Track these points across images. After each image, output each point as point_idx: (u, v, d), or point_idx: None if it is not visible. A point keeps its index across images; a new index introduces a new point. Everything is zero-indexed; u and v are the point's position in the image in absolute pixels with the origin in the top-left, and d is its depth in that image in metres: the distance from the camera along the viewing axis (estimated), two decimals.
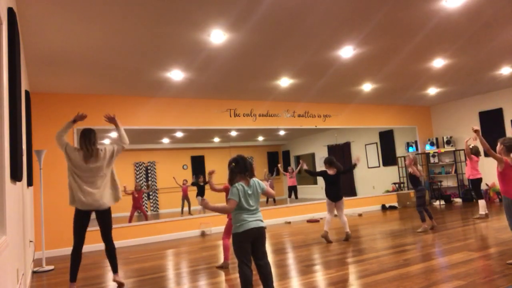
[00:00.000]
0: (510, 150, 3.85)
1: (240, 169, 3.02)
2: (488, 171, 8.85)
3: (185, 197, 9.63)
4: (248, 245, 2.94)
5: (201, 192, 9.37)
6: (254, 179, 3.07)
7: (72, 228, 3.85)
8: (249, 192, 2.99)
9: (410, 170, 6.32)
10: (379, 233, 6.27)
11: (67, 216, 6.49)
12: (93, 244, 6.62)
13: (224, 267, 4.50)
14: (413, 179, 6.31)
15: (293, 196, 10.53)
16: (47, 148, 6.22)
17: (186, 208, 9.57)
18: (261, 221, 3.02)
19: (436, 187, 10.29)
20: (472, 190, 7.32)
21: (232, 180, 3.03)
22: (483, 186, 9.74)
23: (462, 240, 5.15)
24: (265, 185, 3.16)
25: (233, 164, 3.04)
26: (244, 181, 3.00)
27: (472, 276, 3.43)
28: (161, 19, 4.07)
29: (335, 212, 5.94)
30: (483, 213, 6.97)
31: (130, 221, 8.08)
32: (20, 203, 3.54)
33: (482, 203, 7.03)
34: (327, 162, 5.95)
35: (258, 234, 2.96)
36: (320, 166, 11.96)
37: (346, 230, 5.78)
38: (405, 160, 6.39)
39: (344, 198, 6.02)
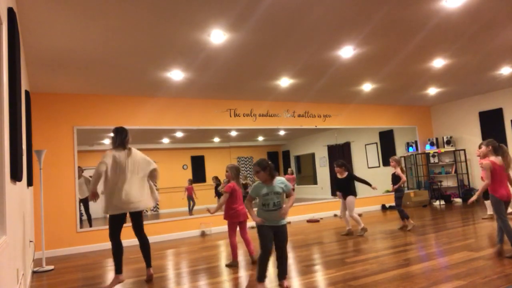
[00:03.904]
0: (497, 151, 4.19)
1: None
2: None
3: (190, 197, 9.62)
4: None
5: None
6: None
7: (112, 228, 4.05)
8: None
9: (395, 171, 6.56)
10: (379, 233, 6.27)
11: (67, 216, 6.50)
12: (93, 244, 6.62)
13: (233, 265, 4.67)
14: (396, 179, 6.52)
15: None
16: (47, 148, 6.23)
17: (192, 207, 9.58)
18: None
19: (436, 187, 10.29)
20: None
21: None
22: None
23: (462, 240, 5.15)
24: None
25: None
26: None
27: (472, 276, 3.43)
28: (161, 19, 4.07)
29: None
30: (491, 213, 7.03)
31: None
32: (20, 203, 3.54)
33: (489, 203, 7.06)
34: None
35: None
36: (320, 166, 11.96)
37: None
38: (390, 162, 6.60)
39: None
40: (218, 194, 9.37)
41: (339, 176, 6.39)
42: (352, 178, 6.38)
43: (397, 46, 5.54)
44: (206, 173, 10.25)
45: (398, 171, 6.47)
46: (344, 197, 6.28)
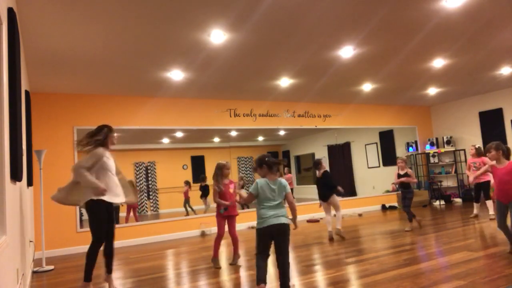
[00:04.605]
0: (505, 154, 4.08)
1: (268, 167, 3.32)
2: None
3: (186, 200, 9.57)
4: (269, 240, 3.20)
5: (205, 193, 9.34)
6: (281, 179, 3.32)
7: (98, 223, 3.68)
8: (273, 187, 3.25)
9: (404, 172, 6.39)
10: (379, 233, 6.27)
11: (67, 216, 6.50)
12: None
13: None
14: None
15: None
16: (47, 148, 6.22)
17: (189, 209, 9.52)
18: (284, 217, 3.20)
19: (436, 187, 10.29)
20: (482, 192, 7.15)
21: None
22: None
23: (462, 240, 5.15)
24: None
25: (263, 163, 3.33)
26: (269, 177, 3.31)
27: (472, 276, 3.43)
28: (161, 19, 4.07)
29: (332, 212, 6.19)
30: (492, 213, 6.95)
31: (126, 221, 8.04)
32: (20, 203, 3.54)
33: (490, 203, 6.99)
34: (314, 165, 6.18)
35: (279, 231, 3.17)
36: None
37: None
38: (398, 163, 6.49)
39: (345, 198, 6.19)
40: (205, 194, 9.33)
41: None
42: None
43: (397, 46, 5.54)
44: (206, 173, 10.26)
45: (410, 171, 6.34)
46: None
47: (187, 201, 9.54)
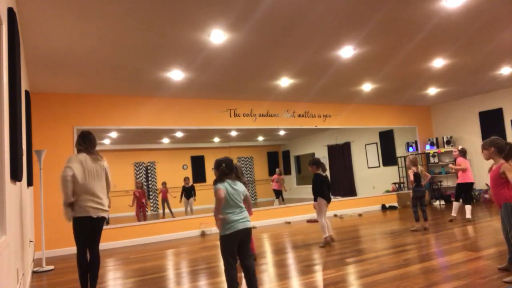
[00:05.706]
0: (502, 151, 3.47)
1: (228, 170, 3.16)
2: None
3: (164, 200, 9.53)
4: (235, 246, 3.05)
5: (188, 194, 9.31)
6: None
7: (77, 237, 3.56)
8: (235, 187, 3.12)
9: (413, 171, 6.29)
10: (379, 233, 6.27)
11: None
12: None
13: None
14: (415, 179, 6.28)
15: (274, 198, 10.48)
16: (47, 148, 6.23)
17: (167, 211, 9.44)
18: (248, 221, 3.12)
19: (436, 187, 10.29)
20: (465, 193, 7.05)
21: (220, 179, 3.14)
22: (483, 187, 9.76)
23: (462, 240, 5.15)
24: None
25: (224, 165, 3.16)
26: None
27: (472, 276, 3.43)
28: (161, 19, 4.07)
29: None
30: (455, 215, 6.98)
31: (139, 220, 8.12)
32: (20, 203, 3.54)
33: (457, 205, 7.01)
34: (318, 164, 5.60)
35: (246, 235, 3.07)
36: None
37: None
38: (405, 162, 6.34)
39: (344, 198, 6.06)
40: (188, 195, 9.30)
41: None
42: (317, 180, 5.53)
43: (397, 46, 5.54)
44: (206, 173, 10.27)
45: (415, 170, 6.28)
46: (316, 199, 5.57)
47: (165, 200, 9.47)
